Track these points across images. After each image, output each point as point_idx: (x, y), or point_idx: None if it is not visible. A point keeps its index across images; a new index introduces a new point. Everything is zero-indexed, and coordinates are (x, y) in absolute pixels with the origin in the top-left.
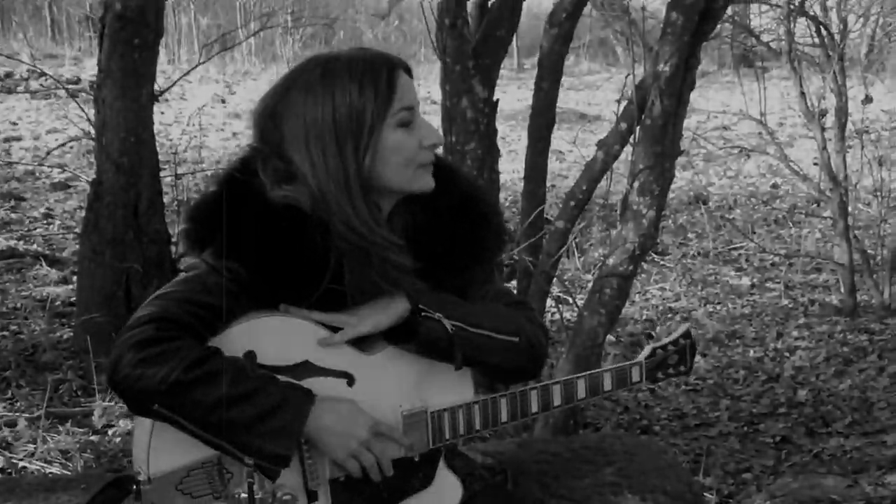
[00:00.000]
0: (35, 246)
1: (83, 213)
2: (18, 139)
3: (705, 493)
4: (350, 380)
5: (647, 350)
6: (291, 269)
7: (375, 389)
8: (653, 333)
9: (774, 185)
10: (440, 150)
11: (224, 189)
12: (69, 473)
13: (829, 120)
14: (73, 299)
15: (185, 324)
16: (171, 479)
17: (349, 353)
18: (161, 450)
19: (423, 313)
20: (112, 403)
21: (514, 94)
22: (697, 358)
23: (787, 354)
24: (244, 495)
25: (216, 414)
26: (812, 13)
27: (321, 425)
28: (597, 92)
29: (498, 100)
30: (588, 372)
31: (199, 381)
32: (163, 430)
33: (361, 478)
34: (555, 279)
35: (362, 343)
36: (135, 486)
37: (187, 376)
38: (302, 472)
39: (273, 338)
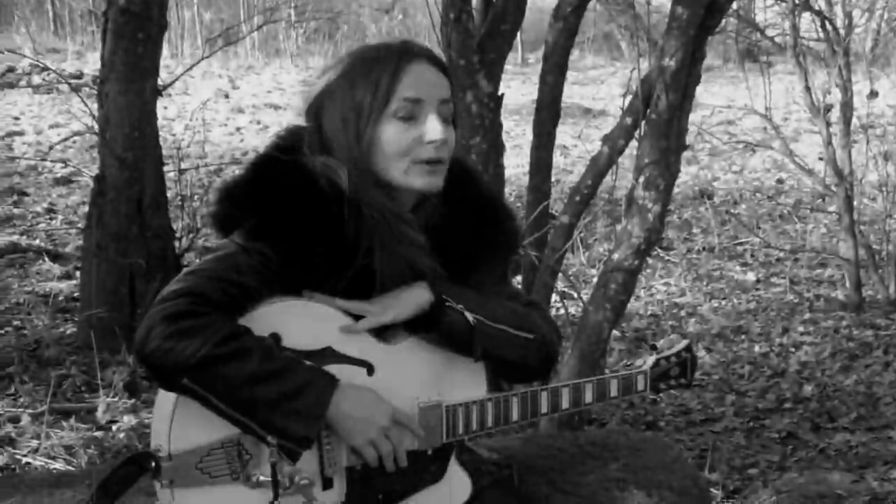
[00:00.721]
0: (38, 241)
1: (86, 209)
2: (21, 134)
3: (711, 489)
4: (370, 369)
5: (650, 360)
6: (322, 250)
7: (394, 380)
8: (656, 345)
9: (779, 180)
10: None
11: (261, 168)
12: (73, 469)
13: (835, 115)
14: (76, 295)
15: (216, 300)
16: (191, 458)
17: (370, 342)
18: (182, 428)
19: (445, 304)
20: (115, 399)
21: (517, 88)
22: (702, 353)
23: (792, 350)
24: (263, 478)
25: (244, 391)
26: (817, 8)
27: (343, 410)
28: (601, 86)
29: (503, 94)
30: (596, 377)
31: (230, 357)
32: (185, 408)
33: (377, 467)
34: (560, 274)
35: (384, 333)
36: (154, 463)
37: (218, 351)
38: (319, 458)
39: (297, 322)
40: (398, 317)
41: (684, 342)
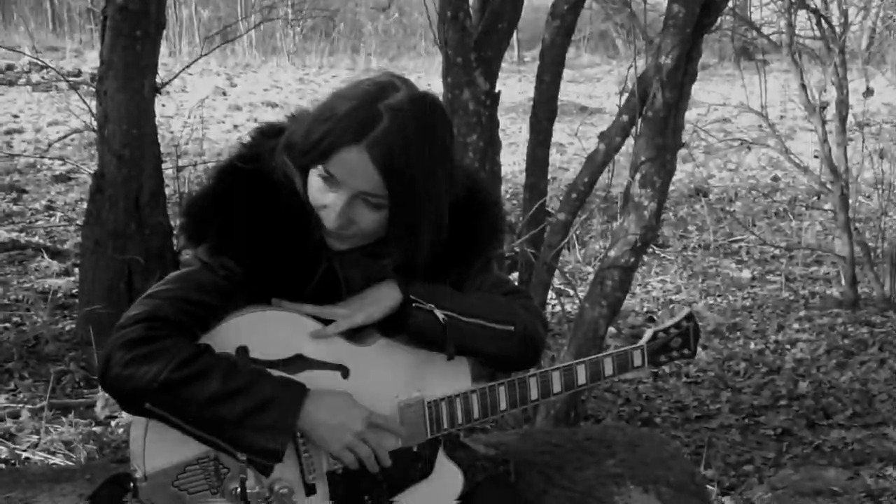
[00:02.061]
0: (37, 238)
1: (84, 206)
2: (20, 131)
3: (706, 485)
4: (345, 372)
5: (648, 334)
6: (285, 260)
7: (371, 381)
8: (655, 318)
9: (775, 178)
10: None
11: (222, 180)
12: (72, 464)
13: (830, 112)
14: (74, 291)
15: (176, 322)
16: (166, 477)
17: (343, 346)
18: (157, 447)
19: (414, 304)
20: None
21: (514, 86)
22: (698, 350)
23: (787, 347)
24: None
25: (207, 410)
26: (813, 6)
27: (315, 419)
28: (597, 84)
29: (499, 92)
30: (588, 357)
31: (190, 379)
32: (158, 428)
33: (359, 469)
34: (556, 271)
35: (356, 335)
36: (132, 484)
37: (177, 374)
38: (299, 466)
39: (265, 332)
40: (369, 318)
41: (686, 311)
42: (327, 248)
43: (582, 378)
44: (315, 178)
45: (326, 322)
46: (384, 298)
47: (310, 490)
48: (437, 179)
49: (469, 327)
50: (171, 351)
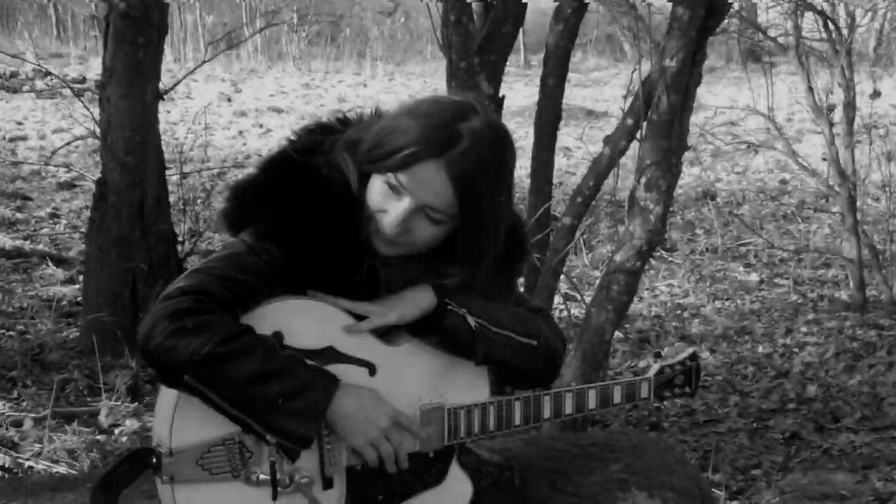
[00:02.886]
0: (41, 246)
1: (89, 213)
2: (24, 139)
3: (714, 490)
4: (372, 369)
5: (655, 367)
6: (329, 254)
7: (396, 381)
8: (661, 352)
9: (783, 181)
10: None
11: (275, 169)
12: (75, 473)
13: (838, 115)
14: (79, 299)
15: (220, 299)
16: (191, 454)
17: (373, 343)
18: (184, 424)
19: (448, 308)
20: (118, 403)
21: (520, 90)
22: (706, 354)
23: (796, 350)
24: (263, 476)
25: (245, 389)
26: (819, 8)
27: (343, 411)
28: (604, 88)
29: (504, 96)
30: (599, 383)
31: (231, 356)
32: (186, 405)
33: (377, 468)
34: (562, 276)
35: (387, 334)
36: (155, 459)
37: (220, 350)
38: (320, 458)
39: (300, 321)
40: (402, 318)
41: (690, 350)
42: (371, 248)
43: (592, 403)
44: (379, 184)
45: (360, 317)
46: (419, 300)
47: (327, 483)
48: (502, 204)
49: (497, 337)
50: (216, 326)
